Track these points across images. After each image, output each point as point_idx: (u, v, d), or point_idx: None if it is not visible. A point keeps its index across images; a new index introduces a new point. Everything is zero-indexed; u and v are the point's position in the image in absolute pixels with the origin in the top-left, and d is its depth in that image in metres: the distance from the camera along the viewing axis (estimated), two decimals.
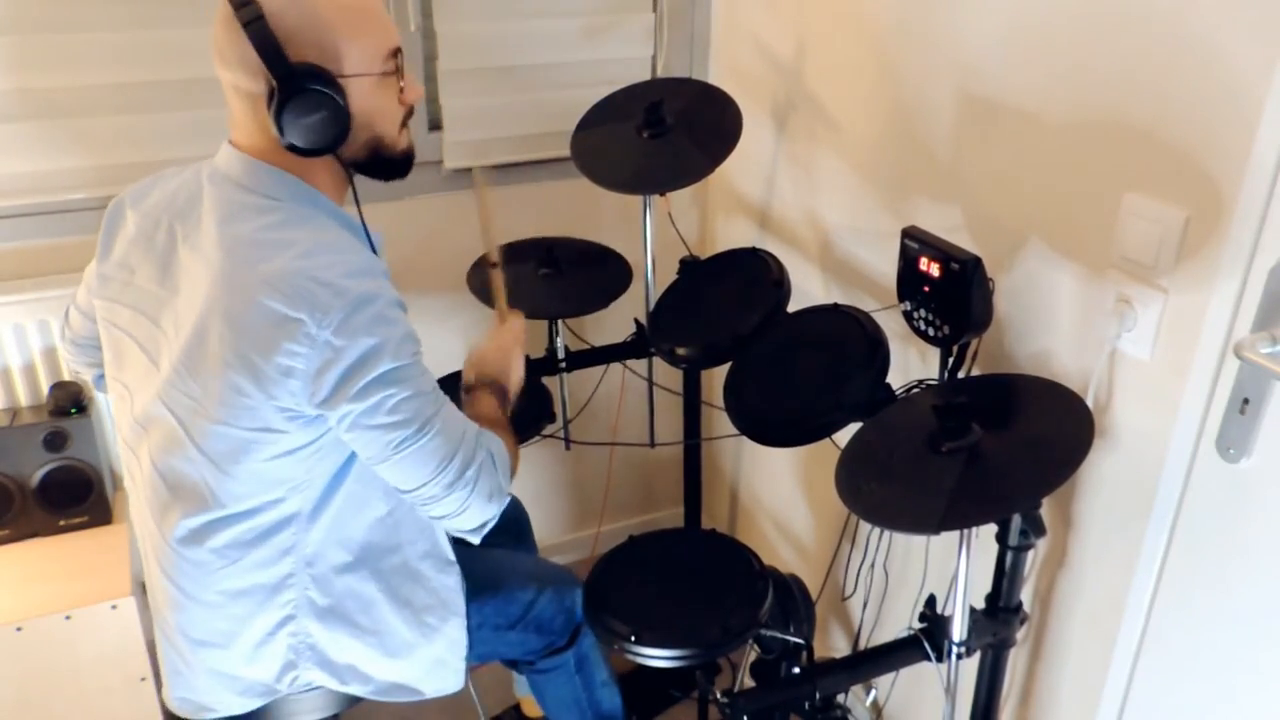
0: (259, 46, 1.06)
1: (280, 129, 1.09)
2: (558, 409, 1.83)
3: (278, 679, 1.27)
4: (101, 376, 1.40)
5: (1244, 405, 1.05)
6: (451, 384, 1.44)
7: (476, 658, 1.44)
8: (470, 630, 1.37)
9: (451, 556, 1.35)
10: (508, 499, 1.26)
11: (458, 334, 2.13)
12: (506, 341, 1.44)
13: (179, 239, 1.18)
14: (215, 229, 1.13)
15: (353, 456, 1.20)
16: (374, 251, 1.22)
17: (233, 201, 1.15)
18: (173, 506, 1.18)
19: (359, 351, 1.08)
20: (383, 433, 1.12)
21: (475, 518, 1.22)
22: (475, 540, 1.26)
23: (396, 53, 1.17)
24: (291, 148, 1.11)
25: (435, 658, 1.34)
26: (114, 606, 1.62)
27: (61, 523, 1.76)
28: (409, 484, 1.17)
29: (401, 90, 1.19)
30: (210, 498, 1.16)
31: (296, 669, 1.27)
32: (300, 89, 1.08)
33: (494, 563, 1.50)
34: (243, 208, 1.14)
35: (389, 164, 1.22)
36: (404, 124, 1.23)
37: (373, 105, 1.15)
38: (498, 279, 1.53)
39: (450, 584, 1.35)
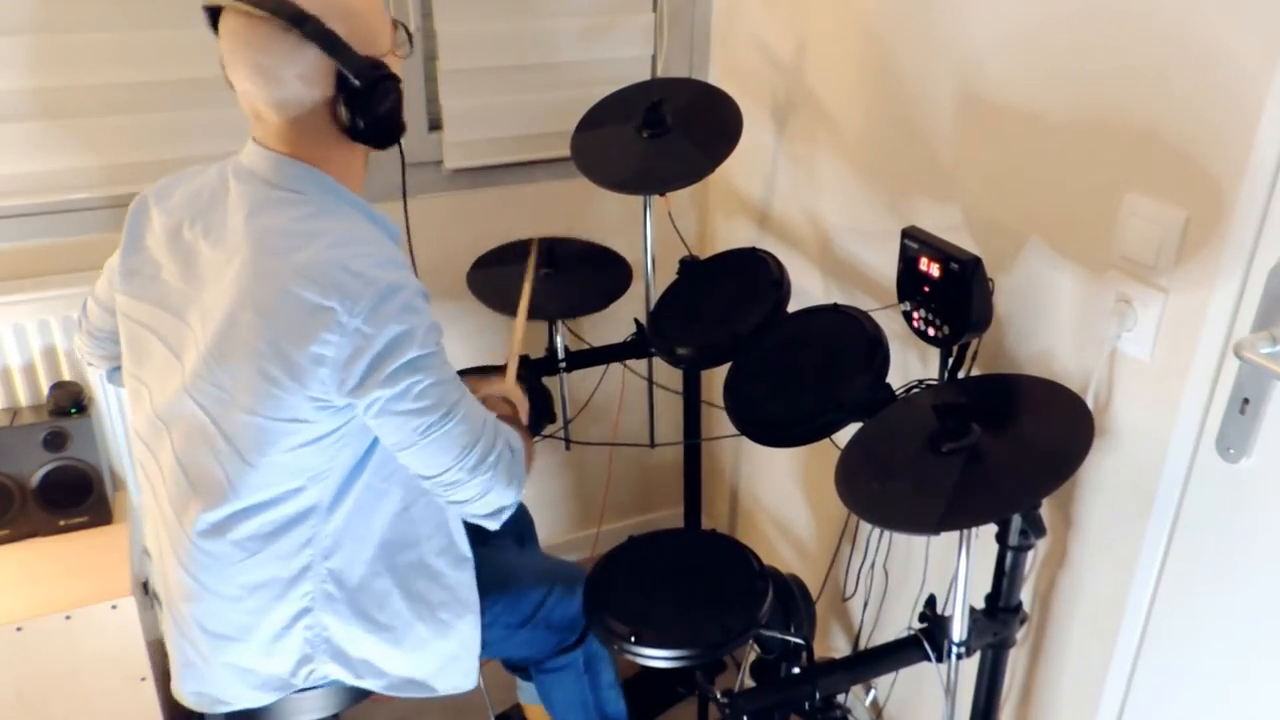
0: (335, 52, 1.10)
1: (365, 122, 1.13)
2: (558, 409, 1.83)
3: (293, 672, 1.28)
4: (116, 370, 1.41)
5: (1244, 405, 1.05)
6: None
7: (487, 656, 1.44)
8: (481, 630, 1.38)
9: (468, 553, 1.37)
10: (523, 489, 1.28)
11: (457, 338, 2.13)
12: (512, 389, 1.47)
13: (201, 235, 1.19)
14: (243, 223, 1.15)
15: (371, 449, 1.21)
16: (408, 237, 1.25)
17: (260, 196, 1.16)
18: (193, 499, 1.19)
19: (388, 338, 1.10)
20: (410, 418, 1.14)
21: (495, 502, 1.24)
22: (494, 526, 1.28)
23: (395, 23, 1.22)
24: (362, 137, 1.15)
25: (449, 654, 1.35)
26: (114, 606, 1.62)
27: (61, 523, 1.76)
28: (434, 469, 1.19)
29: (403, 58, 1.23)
30: (231, 490, 1.17)
31: (312, 662, 1.28)
32: (376, 82, 1.13)
33: (503, 562, 1.51)
34: (271, 201, 1.16)
35: (399, 130, 1.24)
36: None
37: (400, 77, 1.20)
38: (516, 347, 1.54)
39: (465, 581, 1.36)
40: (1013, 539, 1.24)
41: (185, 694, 1.31)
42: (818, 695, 1.29)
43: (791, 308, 1.58)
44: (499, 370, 1.52)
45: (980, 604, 1.31)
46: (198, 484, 1.18)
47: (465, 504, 1.23)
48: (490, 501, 1.24)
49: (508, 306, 1.67)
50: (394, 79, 1.16)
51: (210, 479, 1.17)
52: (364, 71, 1.12)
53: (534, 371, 1.82)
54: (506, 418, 1.34)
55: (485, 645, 1.40)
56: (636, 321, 1.92)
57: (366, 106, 1.13)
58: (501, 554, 1.55)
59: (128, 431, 1.84)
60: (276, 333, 1.10)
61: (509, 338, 1.56)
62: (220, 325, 1.13)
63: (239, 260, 1.13)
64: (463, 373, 1.74)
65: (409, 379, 1.13)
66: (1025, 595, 1.38)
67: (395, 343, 1.11)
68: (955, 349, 1.32)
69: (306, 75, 1.11)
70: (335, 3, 1.12)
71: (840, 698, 1.42)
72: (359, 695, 1.37)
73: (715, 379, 2.02)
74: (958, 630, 1.25)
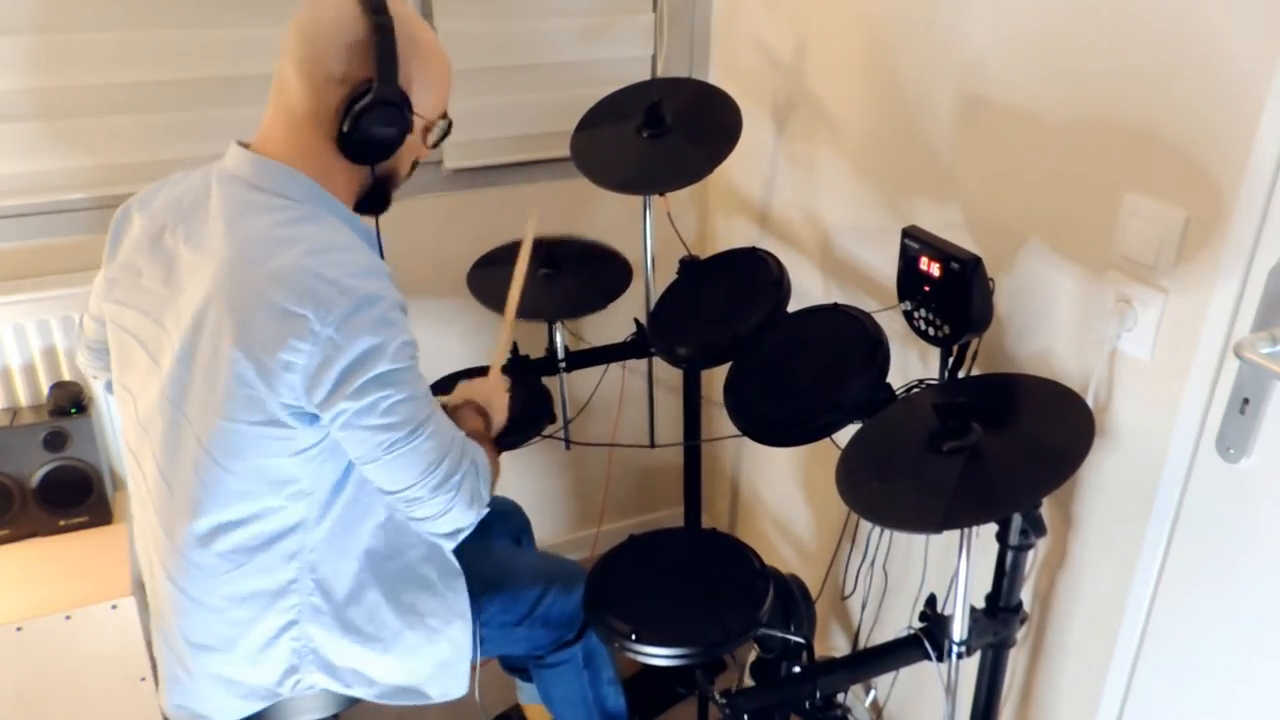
0: (382, 51, 1.11)
1: (353, 125, 1.13)
2: (558, 409, 1.83)
3: (279, 683, 1.27)
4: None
5: (1244, 405, 1.05)
6: (445, 387, 1.44)
7: (484, 654, 1.44)
8: (477, 629, 1.37)
9: (454, 561, 1.36)
10: (487, 508, 1.27)
11: (455, 338, 2.13)
12: (495, 388, 1.46)
13: (183, 240, 1.18)
14: (223, 227, 1.14)
15: (353, 463, 1.20)
16: (381, 255, 1.24)
17: (242, 200, 1.16)
18: (178, 511, 1.18)
19: (359, 350, 1.09)
20: (375, 433, 1.13)
21: (454, 522, 1.23)
22: (450, 545, 1.27)
23: (445, 115, 1.24)
24: (344, 143, 1.15)
25: (440, 661, 1.34)
26: (114, 606, 1.62)
27: (61, 523, 1.76)
28: (396, 485, 1.18)
29: (426, 146, 1.26)
30: (210, 498, 1.16)
31: (299, 672, 1.27)
32: (392, 103, 1.13)
33: (500, 560, 1.51)
34: (252, 206, 1.15)
35: (381, 200, 1.27)
36: (410, 173, 1.29)
37: (411, 145, 1.22)
38: (506, 335, 1.53)
39: (454, 586, 1.35)
40: (1013, 538, 1.24)
41: (169, 708, 1.30)
42: (818, 695, 1.29)
43: (792, 307, 1.58)
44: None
45: (980, 603, 1.32)
46: (178, 492, 1.18)
47: (424, 521, 1.22)
48: (450, 521, 1.23)
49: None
50: (405, 121, 1.16)
51: (190, 487, 1.16)
52: (388, 87, 1.12)
53: (534, 372, 1.83)
54: (474, 434, 1.33)
55: (482, 643, 1.39)
56: (636, 321, 1.92)
57: (365, 118, 1.13)
58: (499, 551, 1.55)
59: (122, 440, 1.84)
60: (250, 338, 1.09)
61: (501, 336, 1.54)
62: (191, 327, 1.13)
63: (217, 265, 1.12)
64: (456, 375, 1.74)
65: (377, 393, 1.11)
66: (1025, 595, 1.38)
67: (366, 355, 1.10)
68: (955, 348, 1.32)
69: (344, 50, 1.12)
70: (415, 34, 1.15)
71: (840, 697, 1.42)
72: (354, 699, 1.36)
73: (715, 378, 2.02)
74: (958, 630, 1.25)
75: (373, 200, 1.26)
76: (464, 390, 1.44)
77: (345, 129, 1.13)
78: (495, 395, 1.45)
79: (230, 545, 1.18)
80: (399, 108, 1.14)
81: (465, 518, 1.24)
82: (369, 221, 1.26)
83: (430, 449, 1.17)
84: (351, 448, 1.16)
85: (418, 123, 1.19)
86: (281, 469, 1.16)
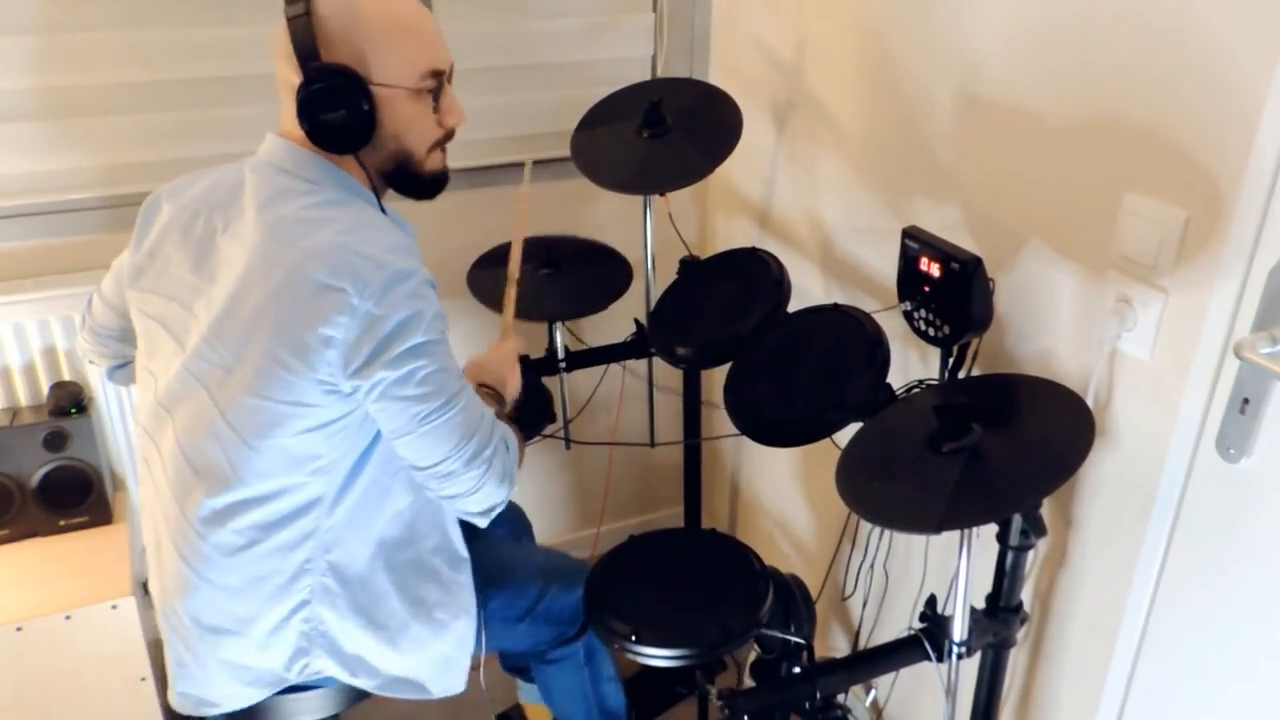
0: (295, 41, 1.12)
1: (301, 121, 1.14)
2: (558, 409, 1.83)
3: (287, 667, 1.27)
4: (117, 368, 1.43)
5: (1244, 405, 1.05)
6: None
7: (487, 650, 1.44)
8: (480, 624, 1.38)
9: (464, 554, 1.36)
10: (515, 486, 1.28)
11: (455, 338, 2.10)
12: (505, 357, 1.47)
13: (219, 230, 1.20)
14: (255, 212, 1.16)
15: (374, 443, 1.22)
16: None
17: (274, 185, 1.18)
18: (197, 486, 1.19)
19: (396, 321, 1.11)
20: (411, 404, 1.15)
21: (486, 499, 1.24)
22: (483, 523, 1.28)
23: (438, 74, 1.21)
24: (315, 142, 1.16)
25: (443, 655, 1.35)
26: (114, 606, 1.62)
27: (61, 523, 1.76)
28: (429, 459, 1.19)
29: (437, 111, 1.23)
30: (234, 476, 1.17)
31: (308, 656, 1.27)
32: (323, 86, 1.13)
33: (502, 556, 1.51)
34: (284, 190, 1.17)
35: (415, 180, 1.27)
36: (439, 145, 1.26)
37: (402, 118, 1.19)
38: (511, 295, 1.53)
39: (462, 581, 1.36)
40: (1013, 539, 1.24)
41: (174, 697, 1.31)
42: (818, 695, 1.29)
43: (792, 308, 1.58)
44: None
45: (981, 604, 1.32)
46: (201, 469, 1.18)
47: (457, 498, 1.23)
48: (482, 498, 1.24)
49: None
50: (346, 95, 1.13)
51: (213, 464, 1.17)
52: (314, 70, 1.12)
53: (534, 371, 1.83)
54: (498, 416, 1.34)
55: (486, 639, 1.40)
56: (636, 321, 1.92)
57: (303, 109, 1.13)
58: (501, 547, 1.55)
59: (129, 430, 1.84)
60: (287, 316, 1.11)
61: (505, 297, 1.54)
62: (224, 306, 1.14)
63: (250, 247, 1.14)
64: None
65: (412, 363, 1.13)
66: (1025, 595, 1.38)
67: (402, 326, 1.12)
68: (956, 349, 1.32)
69: (288, 55, 1.14)
70: (355, 7, 1.14)
71: (840, 698, 1.42)
72: (357, 695, 1.37)
73: (716, 378, 2.02)
74: (958, 630, 1.25)
75: (405, 185, 1.26)
76: (474, 371, 1.44)
77: (307, 129, 1.15)
78: (506, 366, 1.45)
79: (248, 522, 1.19)
80: (335, 90, 1.13)
81: (497, 495, 1.25)
82: (392, 208, 1.27)
83: (462, 422, 1.18)
84: (386, 420, 1.17)
85: (390, 94, 1.16)
86: (305, 445, 1.16)
